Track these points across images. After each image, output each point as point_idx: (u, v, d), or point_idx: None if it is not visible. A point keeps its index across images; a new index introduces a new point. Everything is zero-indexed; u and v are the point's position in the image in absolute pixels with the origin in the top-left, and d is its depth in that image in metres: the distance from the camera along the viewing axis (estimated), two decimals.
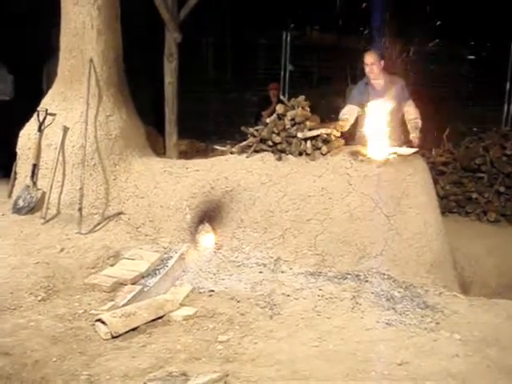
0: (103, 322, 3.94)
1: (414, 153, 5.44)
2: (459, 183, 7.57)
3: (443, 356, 3.68)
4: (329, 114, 6.91)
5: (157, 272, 4.95)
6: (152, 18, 7.82)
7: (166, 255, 5.23)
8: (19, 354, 3.60)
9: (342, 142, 5.59)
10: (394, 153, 5.34)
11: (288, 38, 12.23)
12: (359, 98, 6.31)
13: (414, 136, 6.04)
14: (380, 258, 5.02)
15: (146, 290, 4.62)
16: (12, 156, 6.22)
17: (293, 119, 5.46)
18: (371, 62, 6.21)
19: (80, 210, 5.63)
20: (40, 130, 5.91)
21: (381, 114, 5.54)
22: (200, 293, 4.63)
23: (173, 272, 4.90)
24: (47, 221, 5.65)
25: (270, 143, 5.54)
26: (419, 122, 6.17)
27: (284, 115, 5.52)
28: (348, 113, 6.22)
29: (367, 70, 6.25)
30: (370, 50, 6.33)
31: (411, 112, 6.21)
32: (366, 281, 4.80)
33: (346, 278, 4.86)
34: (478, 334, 3.99)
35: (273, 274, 4.93)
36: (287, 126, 5.48)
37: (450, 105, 10.91)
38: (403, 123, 6.26)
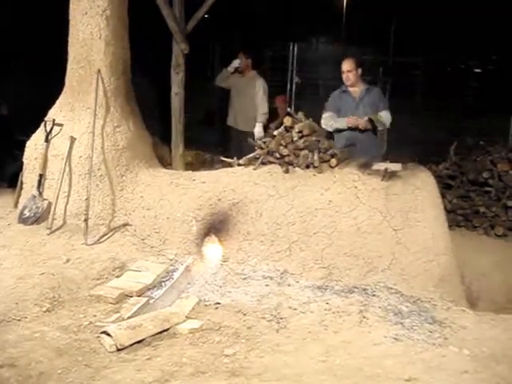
0: (108, 334, 3.91)
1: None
2: (466, 197, 7.54)
3: (452, 372, 3.63)
4: None
5: (163, 284, 4.92)
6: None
7: (171, 267, 5.20)
8: (24, 366, 3.57)
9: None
10: (385, 169, 5.30)
11: (295, 50, 12.27)
12: (335, 104, 6.40)
13: (366, 119, 6.12)
14: (387, 271, 5.00)
15: (151, 302, 4.59)
16: None
17: (300, 132, 5.46)
18: (348, 69, 6.25)
19: (86, 220, 5.61)
20: (47, 140, 5.91)
21: None
22: (206, 305, 4.59)
23: (179, 284, 4.88)
24: (53, 231, 5.63)
25: (277, 155, 5.54)
26: (383, 128, 6.22)
27: (291, 128, 5.52)
28: (333, 121, 6.31)
29: (344, 77, 6.30)
30: (347, 57, 6.34)
31: (382, 119, 6.20)
32: (374, 295, 4.76)
33: (353, 291, 4.82)
34: (486, 350, 3.95)
35: (279, 287, 4.90)
36: (295, 139, 5.47)
37: (457, 118, 10.92)
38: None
